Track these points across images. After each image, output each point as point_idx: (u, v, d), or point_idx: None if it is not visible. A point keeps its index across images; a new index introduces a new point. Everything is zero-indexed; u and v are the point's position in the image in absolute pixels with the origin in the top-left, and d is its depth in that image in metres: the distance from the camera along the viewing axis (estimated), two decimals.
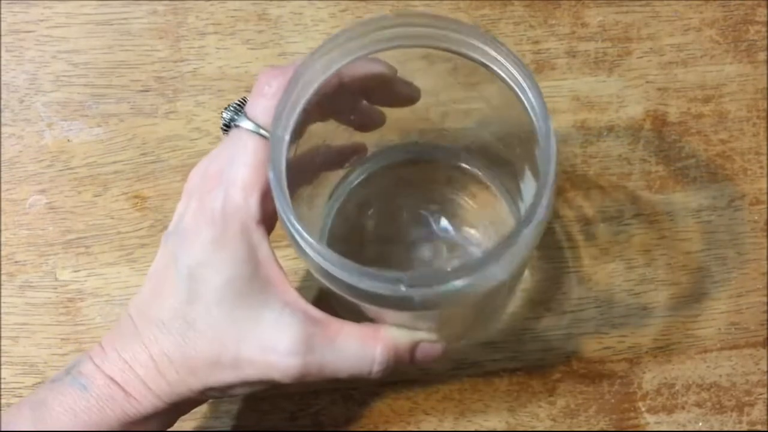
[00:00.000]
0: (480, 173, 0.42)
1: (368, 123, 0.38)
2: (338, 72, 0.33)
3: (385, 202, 0.43)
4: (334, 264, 0.30)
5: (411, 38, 0.33)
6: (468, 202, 0.42)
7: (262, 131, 0.33)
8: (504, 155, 0.40)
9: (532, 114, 0.32)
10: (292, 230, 0.31)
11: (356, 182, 0.42)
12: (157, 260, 0.35)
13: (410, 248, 0.41)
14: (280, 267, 0.34)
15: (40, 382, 0.42)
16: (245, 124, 0.34)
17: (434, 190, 0.43)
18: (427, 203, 0.42)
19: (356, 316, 0.34)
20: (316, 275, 0.32)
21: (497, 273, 0.31)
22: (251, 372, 0.33)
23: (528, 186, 0.37)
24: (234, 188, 0.33)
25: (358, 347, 0.34)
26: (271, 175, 0.31)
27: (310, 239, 0.30)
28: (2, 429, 0.33)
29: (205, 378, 0.34)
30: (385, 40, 0.33)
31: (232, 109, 0.34)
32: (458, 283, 0.30)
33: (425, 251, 0.41)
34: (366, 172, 0.42)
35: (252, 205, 0.33)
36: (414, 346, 0.35)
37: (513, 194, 0.41)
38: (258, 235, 0.33)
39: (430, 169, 0.43)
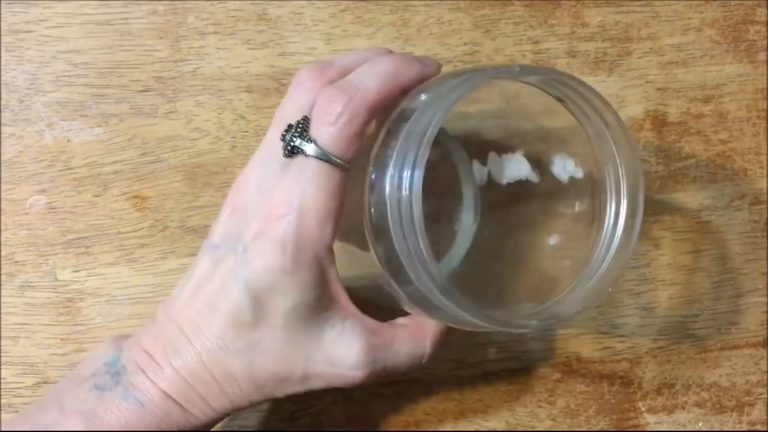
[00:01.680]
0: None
1: None
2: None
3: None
4: (472, 315, 0.32)
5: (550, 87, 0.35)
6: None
7: (333, 159, 0.33)
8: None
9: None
10: (432, 285, 0.32)
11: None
12: (205, 272, 0.35)
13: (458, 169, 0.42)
14: (341, 283, 0.34)
15: (40, 383, 0.42)
16: (313, 150, 0.33)
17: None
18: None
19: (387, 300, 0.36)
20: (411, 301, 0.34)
21: None
22: (317, 383, 0.35)
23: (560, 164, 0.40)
24: (308, 218, 0.33)
25: (412, 347, 0.36)
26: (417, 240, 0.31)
27: (456, 294, 0.32)
28: None
29: (270, 392, 0.35)
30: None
31: (297, 132, 0.33)
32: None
33: (474, 175, 0.41)
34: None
35: (326, 235, 0.33)
36: (450, 329, 0.37)
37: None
38: (328, 260, 0.34)
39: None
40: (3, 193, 0.43)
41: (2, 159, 0.43)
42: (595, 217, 0.38)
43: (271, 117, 0.44)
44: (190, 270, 0.36)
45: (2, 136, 0.44)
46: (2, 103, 0.44)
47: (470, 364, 0.44)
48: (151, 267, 0.43)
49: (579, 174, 0.39)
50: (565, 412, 0.44)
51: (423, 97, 0.34)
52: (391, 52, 0.37)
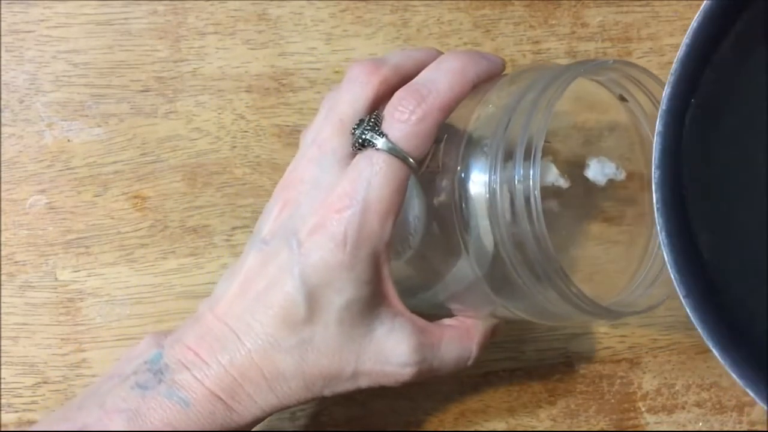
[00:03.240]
0: None
1: None
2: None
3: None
4: (579, 300, 0.33)
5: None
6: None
7: (403, 154, 0.33)
8: None
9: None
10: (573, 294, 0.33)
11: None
12: (254, 268, 0.34)
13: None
14: (392, 281, 0.34)
15: (40, 383, 0.42)
16: (384, 144, 0.33)
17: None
18: None
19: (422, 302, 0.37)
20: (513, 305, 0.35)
21: None
22: (365, 382, 0.35)
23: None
24: (371, 212, 0.32)
25: (458, 349, 0.36)
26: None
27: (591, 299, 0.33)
28: None
29: (319, 390, 0.34)
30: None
31: (369, 126, 0.33)
32: None
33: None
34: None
35: (386, 231, 0.33)
36: (493, 329, 0.37)
37: None
38: (384, 256, 0.33)
39: None
40: (3, 193, 0.43)
41: (2, 159, 0.43)
42: (627, 213, 0.41)
43: (271, 117, 0.44)
44: (235, 266, 0.35)
45: (2, 136, 0.44)
46: (2, 103, 0.44)
47: (470, 364, 0.44)
48: (151, 267, 0.43)
49: (621, 176, 0.39)
50: (565, 412, 0.44)
51: (501, 97, 0.35)
52: (439, 51, 0.38)
